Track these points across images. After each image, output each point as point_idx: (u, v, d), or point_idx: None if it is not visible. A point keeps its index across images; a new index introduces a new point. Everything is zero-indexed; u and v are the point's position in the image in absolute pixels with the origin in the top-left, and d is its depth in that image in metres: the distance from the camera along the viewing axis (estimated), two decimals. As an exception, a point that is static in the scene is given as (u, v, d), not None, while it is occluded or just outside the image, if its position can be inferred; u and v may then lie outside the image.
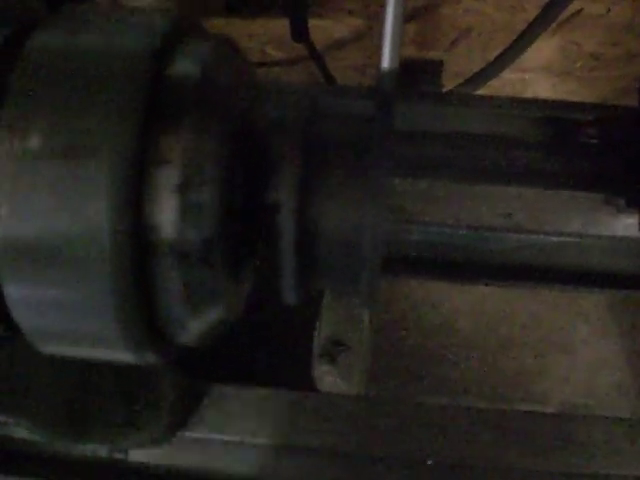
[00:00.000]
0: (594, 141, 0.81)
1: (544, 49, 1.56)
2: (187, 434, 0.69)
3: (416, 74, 1.52)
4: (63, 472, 0.71)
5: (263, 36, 1.58)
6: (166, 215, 0.37)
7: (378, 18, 1.58)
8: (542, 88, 1.69)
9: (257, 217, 0.42)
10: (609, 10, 1.47)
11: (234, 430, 0.70)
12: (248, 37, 1.59)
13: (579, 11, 1.46)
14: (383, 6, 0.54)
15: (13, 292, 0.39)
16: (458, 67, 1.55)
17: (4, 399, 0.55)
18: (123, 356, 0.42)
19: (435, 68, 1.54)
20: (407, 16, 1.57)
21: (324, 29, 1.50)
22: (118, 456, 0.69)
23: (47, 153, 0.36)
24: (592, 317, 1.78)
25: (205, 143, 0.37)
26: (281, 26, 1.40)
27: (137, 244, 0.37)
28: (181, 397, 0.68)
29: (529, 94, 1.71)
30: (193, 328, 0.42)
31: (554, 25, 1.20)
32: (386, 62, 0.48)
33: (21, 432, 0.63)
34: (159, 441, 0.67)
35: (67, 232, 0.36)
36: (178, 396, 0.67)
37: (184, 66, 0.39)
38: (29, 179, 0.36)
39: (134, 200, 0.36)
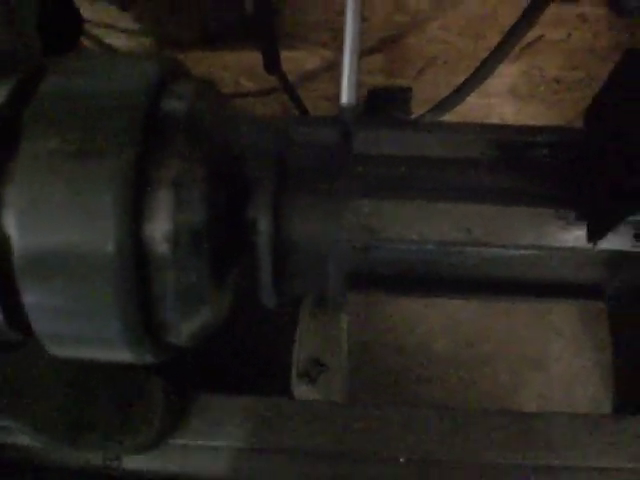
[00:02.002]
0: (545, 161, 0.87)
1: (508, 74, 1.61)
2: (176, 441, 0.73)
3: (386, 102, 1.55)
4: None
5: (237, 67, 1.61)
6: (160, 229, 0.43)
7: None
8: (507, 112, 1.71)
9: (238, 232, 0.48)
10: (569, 35, 1.54)
11: (219, 436, 0.74)
12: (223, 68, 1.63)
13: (540, 37, 1.53)
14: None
15: (30, 299, 0.44)
16: (426, 94, 1.57)
17: (10, 404, 0.58)
18: (123, 356, 0.47)
19: (404, 95, 1.56)
20: (375, 47, 1.61)
21: (296, 60, 1.56)
22: (112, 464, 0.73)
23: (59, 168, 0.42)
24: (566, 333, 1.78)
25: (192, 166, 0.44)
26: (254, 58, 1.42)
27: (137, 255, 0.42)
28: (171, 405, 0.72)
29: (495, 118, 1.72)
30: (184, 330, 0.47)
31: (517, 51, 1.27)
32: (345, 97, 0.55)
33: (22, 438, 0.67)
34: (151, 447, 0.71)
35: (77, 244, 0.42)
36: (168, 405, 0.71)
37: (174, 102, 0.45)
38: (44, 195, 0.42)
39: (134, 215, 0.42)
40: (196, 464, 0.74)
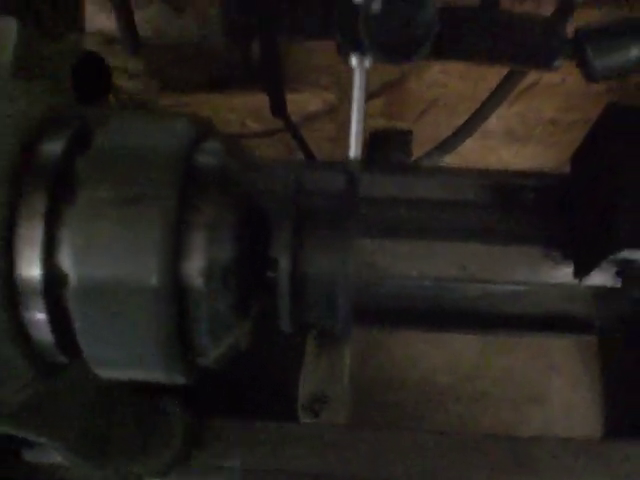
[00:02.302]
0: (534, 204, 0.92)
1: (506, 116, 1.63)
2: (193, 462, 0.78)
3: (387, 144, 1.58)
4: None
5: (243, 110, 1.63)
6: (196, 266, 0.50)
7: (348, 93, 1.67)
8: (505, 153, 1.74)
9: (260, 268, 0.55)
10: (564, 79, 1.56)
11: (232, 457, 0.79)
12: (229, 110, 1.66)
13: (537, 81, 1.56)
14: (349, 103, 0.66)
15: (81, 325, 0.50)
16: (426, 136, 1.55)
17: (46, 424, 0.64)
18: (158, 377, 0.54)
19: (405, 138, 1.52)
20: (376, 91, 1.62)
21: (299, 103, 1.58)
22: (133, 485, 0.78)
23: (111, 213, 0.48)
24: (564, 369, 1.78)
25: (223, 212, 0.51)
26: (259, 100, 1.44)
27: (175, 288, 0.49)
28: (188, 429, 0.77)
29: (493, 159, 1.75)
30: (213, 353, 0.54)
31: (514, 94, 1.24)
32: (352, 152, 0.61)
33: (54, 457, 0.72)
34: (171, 468, 0.76)
35: (124, 278, 0.48)
36: (185, 428, 0.77)
37: (206, 157, 0.53)
38: (97, 236, 0.49)
39: (174, 254, 0.49)
40: (212, 485, 0.79)
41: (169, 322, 0.50)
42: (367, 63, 0.66)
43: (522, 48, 0.65)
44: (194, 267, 0.50)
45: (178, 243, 0.49)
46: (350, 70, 1.57)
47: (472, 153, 1.62)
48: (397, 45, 0.60)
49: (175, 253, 0.49)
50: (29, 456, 0.71)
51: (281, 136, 1.59)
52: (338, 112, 1.68)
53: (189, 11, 1.43)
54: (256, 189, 0.55)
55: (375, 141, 1.53)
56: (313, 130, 1.62)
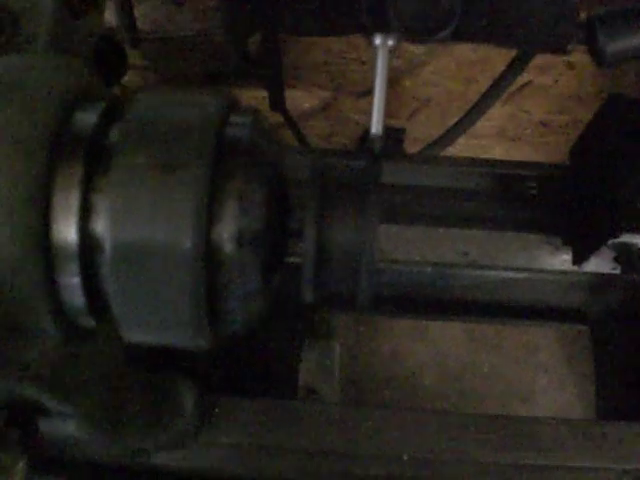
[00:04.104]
0: (534, 192, 0.94)
1: (497, 117, 1.65)
2: (201, 438, 0.80)
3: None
4: (90, 475, 0.81)
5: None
6: (227, 231, 0.52)
7: (342, 90, 1.68)
8: (496, 153, 1.76)
9: (284, 239, 0.57)
10: (556, 81, 1.58)
11: (240, 434, 0.81)
12: None
13: (528, 82, 1.57)
14: (372, 82, 0.68)
15: (116, 288, 0.53)
16: (419, 134, 1.63)
17: (70, 390, 0.65)
18: (187, 341, 0.56)
19: (397, 135, 1.60)
20: (371, 89, 1.66)
21: (294, 100, 1.59)
22: (141, 460, 0.79)
23: (146, 179, 0.50)
24: (550, 369, 1.81)
25: (253, 181, 0.54)
26: (255, 96, 1.47)
27: (207, 251, 0.51)
28: (197, 406, 0.78)
29: None
30: (239, 317, 0.56)
31: (506, 95, 1.26)
32: (374, 128, 0.64)
33: (67, 428, 0.73)
34: (178, 443, 0.78)
35: (159, 241, 0.50)
36: (195, 405, 0.78)
37: (236, 129, 0.56)
38: (133, 201, 0.51)
39: (207, 219, 0.51)
40: (219, 460, 0.81)
41: (200, 284, 0.52)
42: (390, 42, 0.68)
43: (537, 32, 0.67)
44: (225, 232, 0.52)
45: (210, 209, 0.52)
46: (346, 68, 1.60)
47: (464, 152, 1.64)
48: (423, 24, 0.62)
49: (207, 218, 0.52)
50: (45, 425, 0.72)
51: (278, 131, 1.59)
52: (332, 109, 1.70)
53: (188, 5, 1.40)
54: (283, 162, 0.58)
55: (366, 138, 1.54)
56: (307, 127, 1.63)
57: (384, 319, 1.79)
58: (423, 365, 1.82)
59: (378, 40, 0.68)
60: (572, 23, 0.70)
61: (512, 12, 0.66)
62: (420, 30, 0.63)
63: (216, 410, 0.81)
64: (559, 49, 0.70)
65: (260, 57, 1.41)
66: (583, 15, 0.70)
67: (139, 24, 1.34)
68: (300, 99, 1.66)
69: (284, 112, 1.44)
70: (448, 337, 1.83)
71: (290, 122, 1.45)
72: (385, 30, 0.66)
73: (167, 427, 0.76)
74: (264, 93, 1.43)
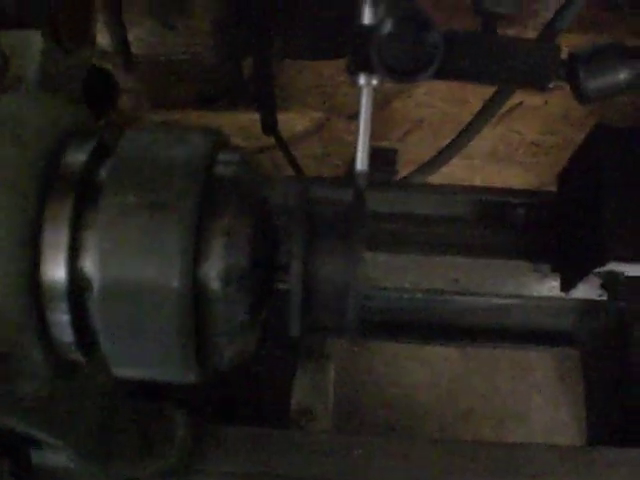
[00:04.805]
0: (522, 220, 0.95)
1: (489, 138, 1.64)
2: (192, 467, 0.80)
3: (372, 162, 1.58)
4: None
5: (231, 127, 1.62)
6: (214, 269, 0.53)
7: (334, 112, 1.68)
8: (488, 173, 1.75)
9: (271, 274, 0.58)
10: (546, 102, 1.59)
11: (232, 463, 0.81)
12: (218, 127, 1.68)
13: (519, 103, 1.58)
14: (357, 117, 0.70)
15: (103, 325, 0.53)
16: (411, 155, 1.62)
17: (56, 425, 0.66)
18: (173, 375, 0.57)
19: (390, 156, 1.60)
20: None
21: (286, 122, 1.57)
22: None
23: (135, 218, 0.51)
24: (545, 388, 1.81)
25: (240, 218, 0.54)
26: (247, 119, 1.49)
27: (195, 289, 0.52)
28: (188, 434, 0.79)
29: (477, 179, 1.75)
30: (227, 353, 0.57)
31: (497, 116, 1.25)
32: (359, 164, 0.65)
33: (58, 459, 0.74)
34: (171, 473, 0.78)
35: (147, 279, 0.51)
36: (186, 433, 0.79)
37: (223, 168, 0.56)
38: (122, 240, 0.51)
39: (194, 257, 0.52)
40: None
41: (188, 321, 0.52)
42: (374, 82, 0.69)
43: (519, 70, 0.69)
44: (212, 269, 0.53)
45: (198, 247, 0.52)
46: (338, 90, 1.61)
47: (455, 172, 1.63)
48: (405, 66, 0.63)
49: (195, 257, 0.52)
50: (37, 457, 0.73)
51: (269, 154, 1.60)
52: (325, 131, 1.70)
53: (181, 29, 1.42)
54: (269, 199, 0.59)
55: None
56: (299, 149, 1.61)
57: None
58: (418, 385, 1.82)
59: (362, 80, 0.69)
60: (554, 63, 0.72)
61: (494, 53, 0.67)
62: (402, 71, 0.64)
63: (207, 438, 0.81)
64: (540, 87, 0.71)
65: (252, 80, 1.42)
66: (564, 52, 0.72)
67: (133, 48, 1.35)
68: (293, 121, 1.66)
69: (276, 134, 1.44)
70: (442, 357, 1.82)
71: (282, 144, 1.46)
72: (369, 70, 0.67)
73: (158, 456, 0.76)
74: (256, 116, 1.44)
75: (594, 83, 0.70)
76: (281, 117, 1.48)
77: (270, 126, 1.42)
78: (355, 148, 0.70)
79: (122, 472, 0.75)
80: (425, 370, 1.83)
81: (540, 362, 1.82)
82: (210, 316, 0.54)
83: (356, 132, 0.71)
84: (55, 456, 0.73)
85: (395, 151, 1.64)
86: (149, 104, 1.58)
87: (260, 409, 1.00)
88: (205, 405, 0.90)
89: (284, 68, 1.54)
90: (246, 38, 1.32)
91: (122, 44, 1.32)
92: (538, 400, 1.81)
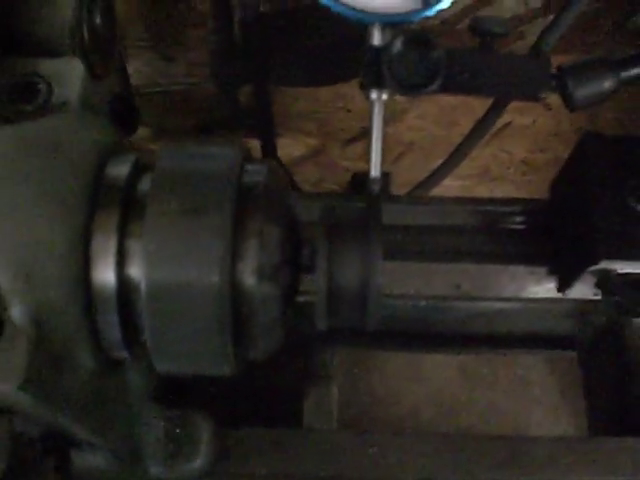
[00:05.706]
0: (519, 227, 1.01)
1: (480, 158, 1.68)
2: (217, 469, 0.84)
3: (366, 185, 1.60)
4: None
5: None
6: (250, 266, 0.58)
7: (330, 138, 1.70)
8: (480, 193, 1.79)
9: (298, 273, 0.64)
10: (535, 121, 1.62)
11: (252, 464, 0.84)
12: None
13: (509, 123, 1.62)
14: (369, 130, 0.76)
15: (150, 323, 0.58)
16: (404, 178, 1.62)
17: (101, 424, 0.70)
18: (213, 368, 0.62)
19: (384, 179, 1.63)
20: (356, 136, 1.68)
21: (283, 147, 1.61)
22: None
23: (179, 223, 0.57)
24: (545, 402, 1.81)
25: (271, 221, 0.60)
26: (247, 145, 1.54)
27: (233, 286, 0.58)
28: (213, 437, 0.83)
29: None
30: (262, 345, 0.62)
31: (487, 136, 1.29)
32: (373, 171, 0.71)
33: (95, 460, 0.78)
34: (197, 474, 0.81)
35: (190, 279, 0.56)
36: (211, 437, 0.82)
37: (253, 176, 0.63)
38: (167, 244, 0.57)
39: (232, 256, 0.57)
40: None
41: (227, 316, 0.58)
42: (384, 96, 0.77)
43: (514, 82, 0.76)
44: (248, 268, 0.59)
45: (234, 247, 0.58)
46: (333, 116, 1.63)
47: (448, 193, 1.56)
48: (413, 80, 0.71)
49: (232, 255, 0.58)
50: (77, 458, 0.77)
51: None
52: (321, 156, 1.75)
53: (179, 60, 1.46)
54: (294, 204, 0.65)
55: (356, 182, 1.58)
56: (296, 174, 1.66)
57: (377, 359, 1.80)
58: (419, 404, 1.83)
59: (374, 95, 0.76)
60: (546, 75, 0.78)
61: (491, 68, 0.75)
62: (411, 85, 0.71)
63: (232, 442, 0.85)
64: (533, 97, 0.78)
65: (250, 107, 1.46)
66: (554, 66, 0.79)
67: (132, 80, 1.39)
68: (289, 147, 1.69)
69: (276, 160, 1.47)
70: (442, 375, 1.84)
71: (282, 169, 1.48)
72: (380, 86, 0.75)
73: (184, 459, 0.80)
74: (254, 143, 1.47)
75: (582, 92, 0.77)
76: (278, 143, 1.53)
77: (269, 151, 1.46)
78: (369, 156, 0.76)
79: (153, 474, 0.80)
80: (425, 389, 1.84)
81: (539, 376, 1.84)
82: (246, 310, 0.60)
83: (369, 140, 0.78)
84: (94, 457, 0.77)
85: (388, 174, 1.57)
86: (148, 134, 1.61)
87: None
88: (227, 408, 0.94)
89: (281, 95, 1.57)
90: (243, 68, 1.35)
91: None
92: (538, 414, 1.81)
